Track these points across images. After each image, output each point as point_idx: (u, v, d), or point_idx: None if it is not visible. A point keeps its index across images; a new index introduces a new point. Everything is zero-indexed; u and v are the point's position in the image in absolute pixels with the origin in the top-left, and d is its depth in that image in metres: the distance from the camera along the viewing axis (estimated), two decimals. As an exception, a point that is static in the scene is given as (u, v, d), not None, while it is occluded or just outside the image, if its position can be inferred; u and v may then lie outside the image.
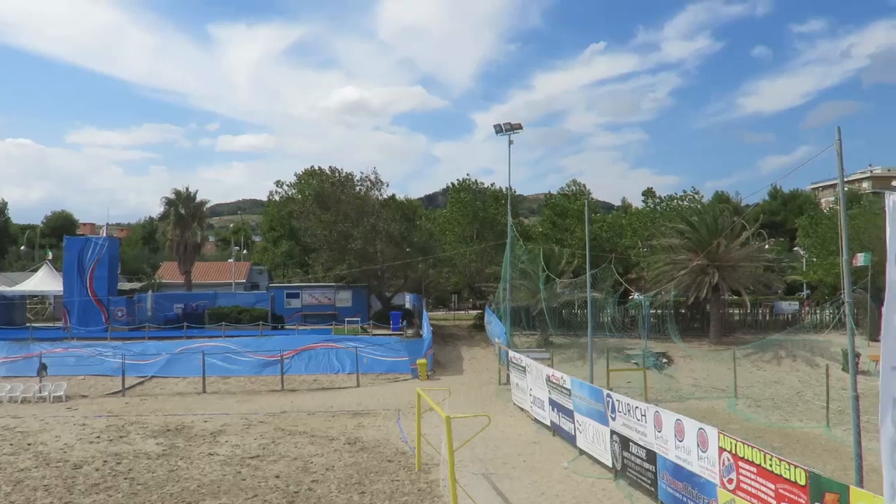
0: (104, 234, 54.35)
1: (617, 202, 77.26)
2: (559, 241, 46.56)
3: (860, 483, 11.83)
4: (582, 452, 19.78)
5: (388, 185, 51.09)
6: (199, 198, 52.85)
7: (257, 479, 17.94)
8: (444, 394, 23.22)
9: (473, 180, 51.88)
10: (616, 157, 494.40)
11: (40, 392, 30.69)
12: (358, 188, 48.73)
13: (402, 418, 25.46)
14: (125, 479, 18.01)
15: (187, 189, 51.63)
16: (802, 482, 10.41)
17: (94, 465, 19.33)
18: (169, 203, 51.25)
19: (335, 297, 49.42)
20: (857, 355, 14.97)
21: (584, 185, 57.88)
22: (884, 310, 4.84)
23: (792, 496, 10.64)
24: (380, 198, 49.26)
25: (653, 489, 15.41)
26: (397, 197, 51.94)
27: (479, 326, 45.89)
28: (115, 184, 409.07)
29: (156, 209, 64.45)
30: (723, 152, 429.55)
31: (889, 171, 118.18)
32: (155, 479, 17.91)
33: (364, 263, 45.71)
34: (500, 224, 44.36)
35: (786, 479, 10.81)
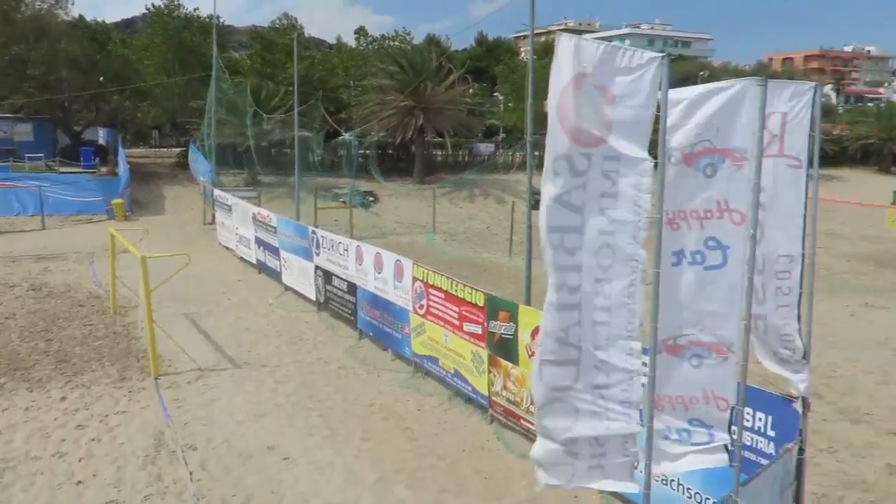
0: None
1: (332, 40, 75.40)
2: (270, 77, 44.86)
3: (528, 302, 13.39)
4: (287, 288, 20.15)
5: (73, 4, 44.92)
6: None
7: (-81, 332, 15.95)
8: (141, 234, 21.99)
9: (177, 4, 47.36)
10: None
11: None
12: (38, 5, 42.37)
13: (96, 261, 23.85)
14: None
15: None
16: (481, 303, 11.56)
17: None
18: None
19: (12, 131, 43.61)
20: (537, 192, 16.49)
21: (297, 20, 55.59)
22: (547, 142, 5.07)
23: (472, 316, 11.81)
24: (65, 18, 43.40)
25: (353, 318, 16.26)
26: (87, 19, 45.92)
27: (182, 164, 43.62)
28: None
29: None
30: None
31: (580, 24, 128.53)
32: None
33: (46, 93, 40.58)
34: (207, 56, 41.40)
35: (468, 301, 11.92)
